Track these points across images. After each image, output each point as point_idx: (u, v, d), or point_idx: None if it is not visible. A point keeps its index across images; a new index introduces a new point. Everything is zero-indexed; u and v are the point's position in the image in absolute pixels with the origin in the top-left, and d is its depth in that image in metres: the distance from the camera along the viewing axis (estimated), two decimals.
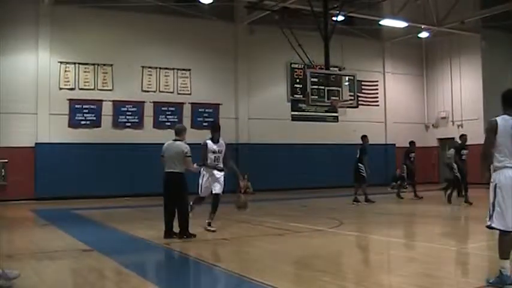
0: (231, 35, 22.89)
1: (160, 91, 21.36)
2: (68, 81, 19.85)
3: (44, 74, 19.35)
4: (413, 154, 17.50)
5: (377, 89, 26.36)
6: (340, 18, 20.31)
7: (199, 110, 21.90)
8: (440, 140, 26.80)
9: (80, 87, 19.97)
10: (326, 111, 23.59)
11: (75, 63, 19.93)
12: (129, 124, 20.73)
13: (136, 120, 20.89)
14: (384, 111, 26.41)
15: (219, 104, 22.34)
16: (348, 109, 21.22)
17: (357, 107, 23.10)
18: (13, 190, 18.38)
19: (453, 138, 25.82)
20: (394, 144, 25.76)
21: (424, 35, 24.89)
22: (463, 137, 15.20)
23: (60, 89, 19.68)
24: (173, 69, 21.66)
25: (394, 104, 26.55)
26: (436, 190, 19.10)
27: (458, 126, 25.61)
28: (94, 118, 20.15)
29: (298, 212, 14.46)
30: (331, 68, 19.58)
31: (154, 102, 21.13)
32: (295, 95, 24.03)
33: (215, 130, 9.79)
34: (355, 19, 23.45)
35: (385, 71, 26.69)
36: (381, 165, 23.99)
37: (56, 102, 19.45)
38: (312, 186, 22.42)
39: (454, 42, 25.66)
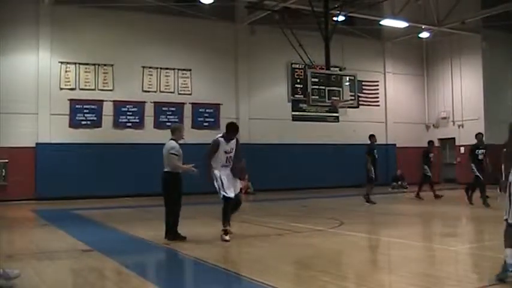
0: (232, 35, 22.90)
1: (160, 91, 21.37)
2: (69, 81, 19.87)
3: (44, 74, 19.38)
4: (431, 154, 17.30)
5: (377, 89, 26.34)
6: (341, 18, 20.35)
7: (200, 110, 21.91)
8: (440, 140, 26.76)
9: (81, 87, 20.00)
10: (327, 112, 23.55)
11: (75, 63, 19.95)
12: (129, 124, 20.74)
13: (137, 121, 20.89)
14: (384, 112, 26.38)
15: (219, 104, 22.33)
16: (348, 109, 21.23)
17: (357, 107, 23.08)
18: (14, 190, 18.40)
19: (453, 139, 25.92)
20: (395, 144, 25.80)
21: (424, 35, 24.87)
22: (478, 135, 14.63)
23: (61, 89, 19.70)
24: (174, 69, 21.67)
25: (394, 104, 26.52)
26: (435, 190, 18.99)
27: (458, 126, 25.62)
28: (95, 118, 20.16)
29: (299, 212, 14.45)
30: (331, 68, 19.61)
31: (154, 102, 21.14)
32: (296, 95, 24.03)
33: (233, 131, 8.92)
34: (356, 19, 23.43)
35: (385, 71, 26.67)
36: (382, 166, 23.82)
37: (56, 103, 19.48)
38: (312, 186, 22.39)
39: (455, 42, 25.64)
